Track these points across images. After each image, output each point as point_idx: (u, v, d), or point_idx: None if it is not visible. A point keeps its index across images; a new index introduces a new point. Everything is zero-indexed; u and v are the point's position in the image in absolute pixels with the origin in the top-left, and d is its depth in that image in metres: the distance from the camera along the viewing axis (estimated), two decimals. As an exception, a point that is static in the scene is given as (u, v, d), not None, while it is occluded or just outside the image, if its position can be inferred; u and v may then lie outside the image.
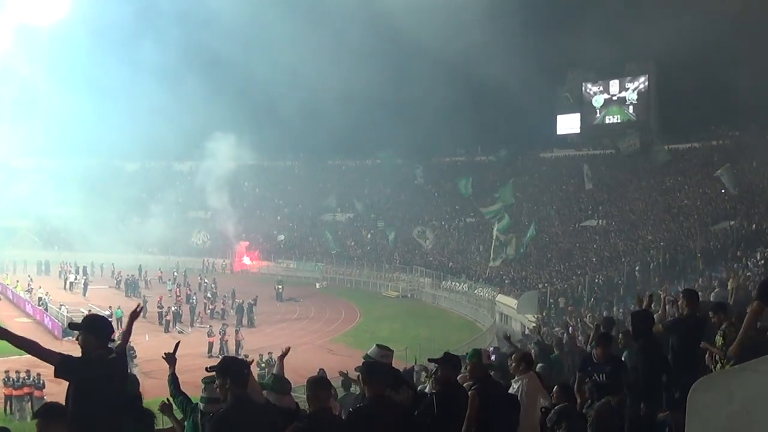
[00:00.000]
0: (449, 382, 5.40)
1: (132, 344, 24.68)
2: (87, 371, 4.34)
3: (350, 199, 58.74)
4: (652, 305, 8.81)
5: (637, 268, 30.84)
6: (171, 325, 32.16)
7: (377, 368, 4.84)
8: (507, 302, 35.51)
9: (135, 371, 19.60)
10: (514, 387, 6.09)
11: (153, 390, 14.06)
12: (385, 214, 56.67)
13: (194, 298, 35.81)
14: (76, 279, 43.24)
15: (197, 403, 5.18)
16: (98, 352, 4.45)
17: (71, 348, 4.62)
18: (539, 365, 8.62)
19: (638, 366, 6.45)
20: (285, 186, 65.70)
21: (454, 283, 42.50)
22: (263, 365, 21.22)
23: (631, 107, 54.71)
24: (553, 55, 56.47)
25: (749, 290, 14.68)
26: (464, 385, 5.57)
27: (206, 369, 4.61)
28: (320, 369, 13.28)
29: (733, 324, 6.60)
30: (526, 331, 28.75)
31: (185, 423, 5.41)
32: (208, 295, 38.16)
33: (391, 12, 52.05)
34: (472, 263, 44.04)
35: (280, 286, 41.92)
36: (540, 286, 34.57)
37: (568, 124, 57.04)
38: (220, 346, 27.42)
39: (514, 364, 6.34)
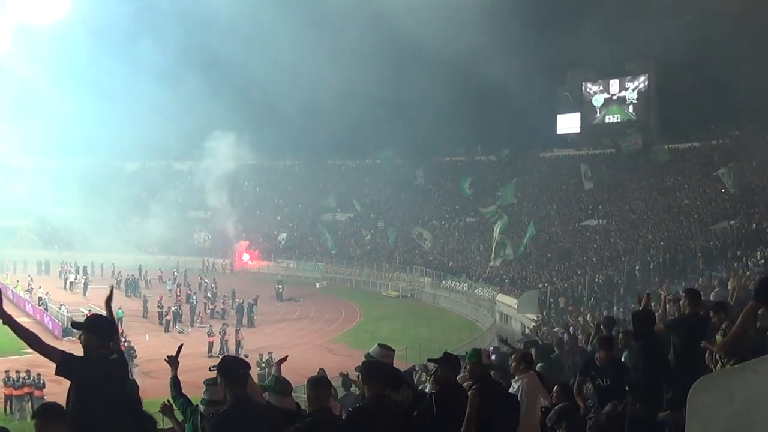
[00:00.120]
0: (449, 382, 5.40)
1: (132, 344, 24.76)
2: (88, 371, 4.34)
3: (350, 199, 58.74)
4: (652, 304, 8.81)
5: (637, 267, 30.86)
6: (171, 325, 32.17)
7: (377, 368, 4.84)
8: (507, 302, 35.52)
9: (135, 371, 19.64)
10: (514, 387, 6.09)
11: (153, 390, 14.09)
12: (385, 214, 56.68)
13: (194, 297, 35.81)
14: (76, 279, 43.23)
15: (197, 405, 5.18)
16: (100, 352, 4.45)
17: (71, 348, 4.62)
18: (539, 365, 8.62)
19: (638, 366, 6.45)
20: (285, 186, 65.71)
21: (454, 282, 42.50)
22: (263, 365, 21.23)
23: (631, 107, 54.73)
24: (553, 55, 56.58)
25: (749, 290, 14.66)
26: (464, 384, 5.57)
27: (210, 369, 4.61)
28: (320, 369, 13.27)
29: (733, 324, 6.60)
30: (526, 331, 28.77)
31: (185, 425, 5.42)
32: (208, 294, 38.16)
33: (391, 12, 52.14)
34: (472, 263, 44.05)
35: (280, 286, 41.92)
36: (540, 285, 34.57)
37: (568, 123, 57.05)
38: (221, 346, 27.41)
39: (514, 364, 6.34)
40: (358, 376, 5.29)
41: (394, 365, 5.78)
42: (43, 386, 19.47)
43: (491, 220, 42.73)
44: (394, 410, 4.59)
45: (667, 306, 8.77)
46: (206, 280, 42.63)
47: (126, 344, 23.81)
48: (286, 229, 58.94)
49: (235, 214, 58.15)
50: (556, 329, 21.74)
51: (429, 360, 6.11)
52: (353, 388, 8.79)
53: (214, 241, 57.76)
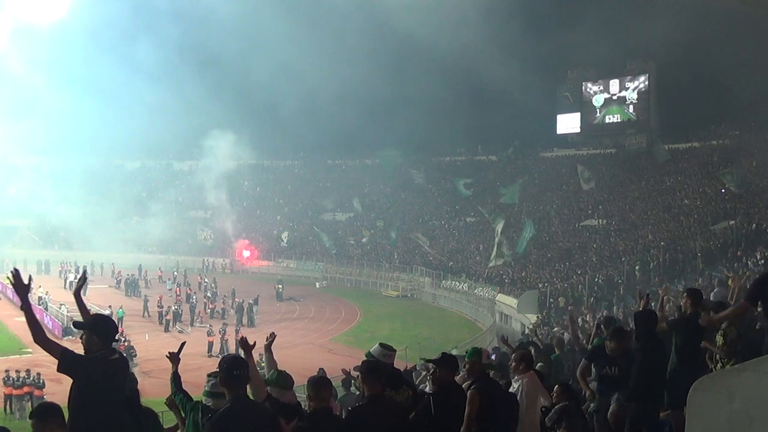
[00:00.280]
0: (447, 383, 5.40)
1: (132, 344, 24.78)
2: (90, 370, 4.34)
3: (350, 199, 58.76)
4: (651, 304, 8.81)
5: (637, 267, 30.87)
6: (171, 324, 32.19)
7: (376, 367, 4.84)
8: (507, 302, 35.52)
9: (135, 371, 19.62)
10: (514, 386, 6.08)
11: (153, 389, 14.12)
12: (385, 214, 56.68)
13: (194, 297, 35.81)
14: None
15: (197, 402, 5.20)
16: (101, 352, 4.45)
17: (72, 347, 4.61)
18: (539, 365, 8.61)
19: (639, 365, 6.45)
20: (285, 185, 65.70)
21: (454, 282, 42.51)
22: (263, 365, 21.19)
23: (631, 107, 54.69)
24: (553, 55, 56.65)
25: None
26: (463, 384, 5.56)
27: (208, 376, 4.67)
28: (320, 368, 13.30)
29: (733, 324, 6.60)
30: (526, 331, 28.77)
31: (186, 421, 5.42)
32: (208, 294, 38.17)
33: (391, 11, 52.20)
34: (472, 263, 44.06)
35: (280, 286, 41.91)
36: (540, 285, 34.57)
37: (569, 123, 57.03)
38: (221, 346, 27.43)
39: (514, 364, 6.33)
40: (357, 376, 5.29)
41: (395, 365, 5.79)
42: (43, 386, 19.48)
43: (493, 219, 42.67)
44: (393, 410, 4.59)
45: (666, 306, 8.77)
46: (206, 280, 42.63)
47: (126, 344, 23.85)
48: (286, 229, 58.94)
49: (235, 213, 58.20)
50: (555, 329, 21.74)
51: (426, 360, 6.10)
52: (353, 388, 8.79)
53: (214, 240, 57.78)
